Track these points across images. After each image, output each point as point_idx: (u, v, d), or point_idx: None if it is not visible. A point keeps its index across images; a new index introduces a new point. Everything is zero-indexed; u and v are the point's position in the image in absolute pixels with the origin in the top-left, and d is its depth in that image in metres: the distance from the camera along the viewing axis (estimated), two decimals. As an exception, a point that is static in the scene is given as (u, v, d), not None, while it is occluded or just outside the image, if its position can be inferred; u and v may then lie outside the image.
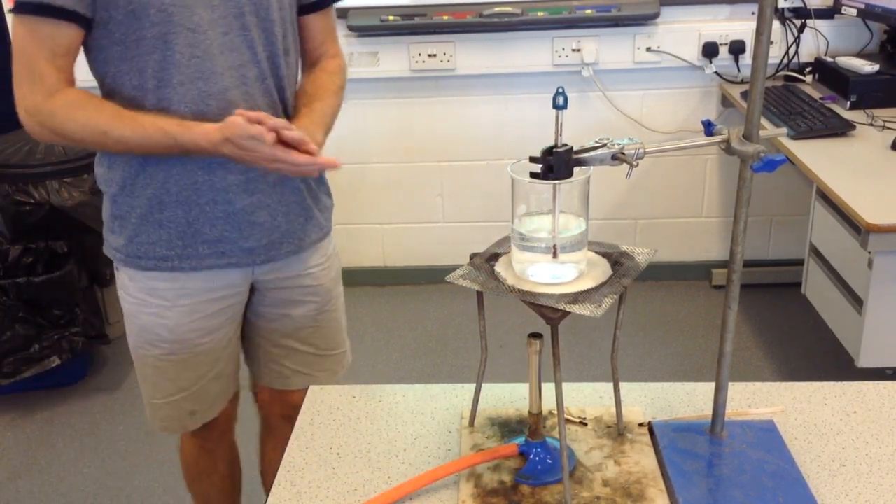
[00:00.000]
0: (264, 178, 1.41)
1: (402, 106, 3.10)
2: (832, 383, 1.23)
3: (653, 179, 3.20)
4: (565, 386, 1.01)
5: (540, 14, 2.90)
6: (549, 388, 1.03)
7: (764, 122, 2.45)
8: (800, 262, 2.37)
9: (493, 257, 1.05)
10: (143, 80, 1.31)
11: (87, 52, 1.34)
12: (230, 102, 1.34)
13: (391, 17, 2.90)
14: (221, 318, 1.50)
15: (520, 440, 1.08)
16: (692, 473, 1.03)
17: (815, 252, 2.26)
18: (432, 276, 3.37)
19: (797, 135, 2.29)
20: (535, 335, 1.02)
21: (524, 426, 1.13)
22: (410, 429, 1.18)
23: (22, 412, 2.71)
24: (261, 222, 1.43)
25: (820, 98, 2.60)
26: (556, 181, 0.93)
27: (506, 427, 1.15)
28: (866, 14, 2.69)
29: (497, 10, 2.91)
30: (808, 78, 2.82)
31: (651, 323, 3.04)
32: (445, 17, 2.91)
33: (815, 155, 2.17)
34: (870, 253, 1.91)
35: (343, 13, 2.89)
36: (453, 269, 1.02)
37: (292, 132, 1.26)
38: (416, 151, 3.20)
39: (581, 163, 0.93)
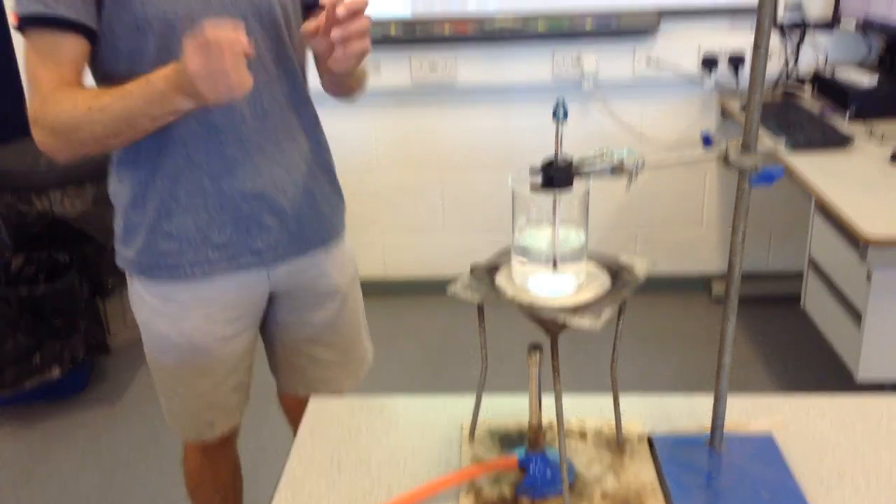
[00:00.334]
0: (273, 182, 1.41)
1: (403, 117, 3.11)
2: (831, 396, 1.23)
3: (652, 191, 3.21)
4: (565, 398, 1.02)
5: (540, 26, 2.91)
6: (549, 400, 1.04)
7: (763, 134, 2.46)
8: (799, 275, 2.37)
9: (494, 268, 1.05)
10: None
11: (92, 67, 1.35)
12: (236, 109, 1.34)
13: (393, 29, 2.92)
14: (237, 326, 1.50)
15: (520, 452, 1.09)
16: (691, 486, 1.03)
17: (814, 265, 2.26)
18: (433, 287, 3.38)
19: (796, 147, 2.30)
20: (535, 347, 1.02)
21: (524, 438, 1.13)
22: (411, 440, 1.18)
23: (22, 423, 2.71)
24: (270, 225, 1.43)
25: (819, 110, 2.61)
26: (557, 192, 0.94)
27: (506, 439, 1.15)
28: (865, 26, 2.71)
29: (498, 22, 2.92)
30: (807, 90, 2.83)
31: (651, 335, 3.05)
32: (447, 30, 2.93)
33: (813, 167, 2.18)
34: (869, 266, 1.92)
35: (344, 25, 2.90)
36: (454, 279, 1.02)
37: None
38: (417, 162, 3.21)
39: (581, 175, 0.94)
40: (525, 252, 1.00)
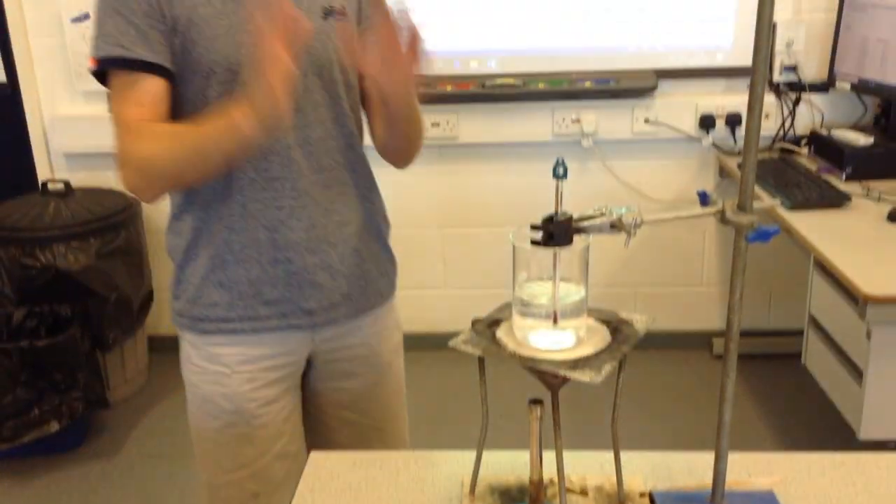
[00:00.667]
0: (326, 237, 1.41)
1: (404, 173, 3.13)
2: (832, 454, 1.23)
3: (652, 248, 3.23)
4: (566, 454, 1.02)
5: (540, 86, 2.97)
6: (549, 456, 1.04)
7: (761, 192, 2.49)
8: (800, 333, 2.38)
9: (495, 323, 1.06)
10: None
11: None
12: (293, 161, 1.35)
13: (395, 88, 2.96)
14: (280, 388, 1.47)
15: (520, 508, 1.08)
16: (693, 543, 1.03)
17: (815, 322, 2.26)
18: (433, 342, 3.37)
19: (794, 206, 2.32)
20: (536, 401, 1.02)
21: (525, 494, 1.13)
22: (411, 496, 1.18)
23: (20, 477, 2.69)
24: (321, 283, 1.42)
25: (816, 169, 2.64)
26: (557, 248, 0.95)
27: (507, 495, 1.15)
28: (860, 88, 2.76)
29: (499, 81, 2.98)
30: (804, 150, 2.87)
31: (652, 392, 3.03)
32: (449, 88, 2.98)
33: (812, 226, 2.20)
34: (868, 324, 1.92)
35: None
36: (455, 335, 1.03)
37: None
38: (419, 217, 3.23)
39: (581, 231, 0.96)
40: (526, 307, 1.01)
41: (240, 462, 1.48)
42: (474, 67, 3.01)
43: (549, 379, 0.96)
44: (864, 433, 2.01)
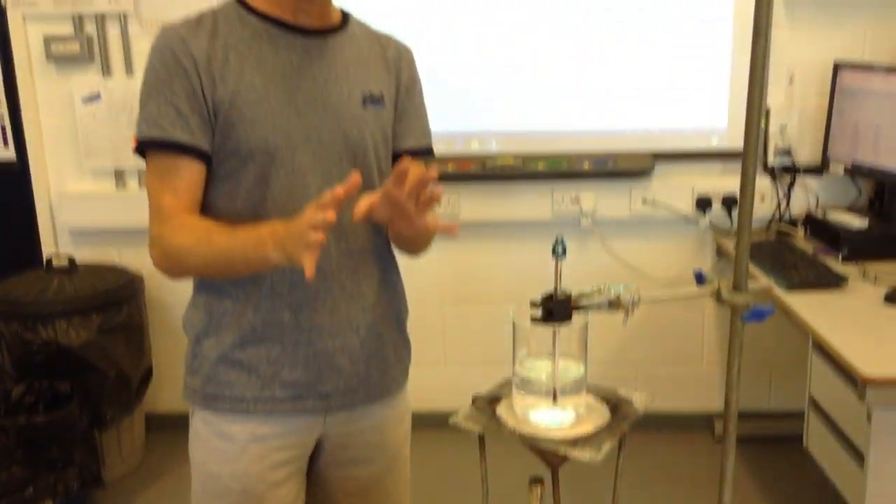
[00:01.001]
0: (349, 321, 1.41)
1: (405, 252, 3.17)
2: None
3: (652, 328, 3.24)
4: (566, 532, 1.01)
5: (540, 166, 3.02)
6: (549, 535, 1.03)
7: (758, 273, 2.51)
8: (801, 414, 2.36)
9: (495, 399, 1.07)
10: (242, 217, 1.34)
11: None
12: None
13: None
14: (288, 470, 1.45)
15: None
16: None
17: (815, 404, 2.25)
18: (434, 420, 3.35)
19: (792, 287, 2.34)
20: (537, 480, 1.02)
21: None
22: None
23: (8, 557, 2.64)
24: (341, 366, 1.42)
25: (812, 251, 2.67)
26: (556, 325, 0.97)
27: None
28: (854, 171, 2.81)
29: (499, 161, 3.03)
30: (801, 231, 2.90)
31: (652, 474, 3.00)
32: (450, 167, 3.03)
33: (810, 307, 2.21)
34: (868, 406, 1.92)
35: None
36: (454, 413, 1.04)
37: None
38: (419, 295, 3.23)
39: (580, 308, 0.97)
40: (526, 383, 1.02)
41: None
42: (475, 148, 3.07)
43: (549, 457, 0.96)
44: (868, 517, 1.99)
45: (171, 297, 3.20)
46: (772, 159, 2.98)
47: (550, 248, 0.99)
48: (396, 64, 1.49)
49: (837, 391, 2.09)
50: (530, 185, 3.09)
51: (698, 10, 2.92)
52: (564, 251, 0.98)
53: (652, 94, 2.99)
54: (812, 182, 3.00)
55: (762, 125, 2.89)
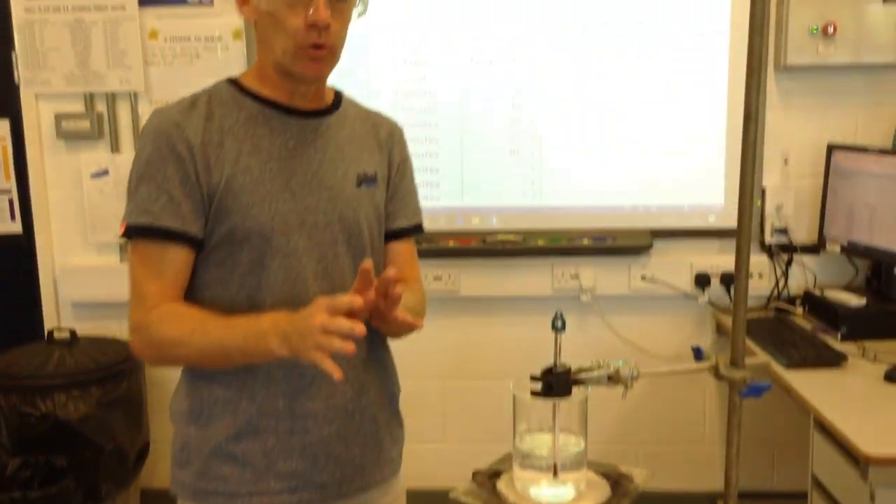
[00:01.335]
0: (344, 406, 1.39)
1: (406, 327, 3.18)
2: None
3: (652, 404, 3.22)
4: None
5: (540, 242, 3.06)
6: None
7: (757, 350, 2.52)
8: (804, 494, 2.33)
9: (496, 474, 1.07)
10: (236, 301, 1.32)
11: None
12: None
13: (399, 244, 3.05)
14: None
15: None
16: None
17: (818, 483, 2.23)
18: (433, 498, 3.30)
19: (791, 364, 2.34)
20: (536, 556, 1.02)
21: None
22: None
23: None
24: (336, 454, 1.39)
25: (811, 328, 2.68)
26: (556, 399, 0.98)
27: None
28: (850, 251, 2.84)
29: (500, 237, 3.07)
30: (799, 309, 2.91)
31: (656, 555, 2.94)
32: (451, 243, 3.07)
33: (810, 385, 2.20)
34: (871, 486, 1.90)
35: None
36: (455, 488, 1.04)
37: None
38: (418, 370, 3.24)
39: (579, 382, 0.98)
40: (526, 458, 1.02)
41: None
42: (476, 224, 3.11)
43: (550, 532, 0.96)
44: None
45: (171, 372, 3.14)
46: (769, 238, 3.01)
47: (550, 322, 1.01)
48: (389, 143, 1.50)
49: (840, 470, 2.07)
50: (530, 261, 3.11)
51: (692, 96, 3.00)
52: (564, 326, 1.00)
53: (650, 172, 3.04)
54: (809, 260, 3.03)
55: (758, 204, 2.95)
